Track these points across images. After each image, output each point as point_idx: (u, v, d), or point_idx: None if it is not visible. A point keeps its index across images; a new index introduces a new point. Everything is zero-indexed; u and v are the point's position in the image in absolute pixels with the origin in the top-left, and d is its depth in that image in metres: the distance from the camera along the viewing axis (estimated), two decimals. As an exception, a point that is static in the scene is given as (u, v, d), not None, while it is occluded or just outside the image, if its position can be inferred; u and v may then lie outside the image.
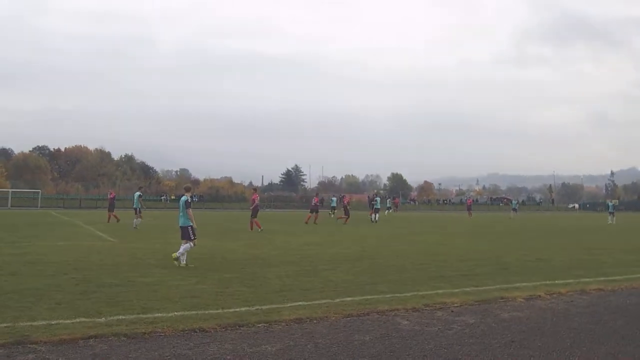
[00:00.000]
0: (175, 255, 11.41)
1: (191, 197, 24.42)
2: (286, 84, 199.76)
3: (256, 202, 23.74)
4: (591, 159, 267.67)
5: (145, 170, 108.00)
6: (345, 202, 33.75)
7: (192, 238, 11.67)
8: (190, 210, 11.84)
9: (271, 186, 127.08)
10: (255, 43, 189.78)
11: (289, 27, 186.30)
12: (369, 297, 8.45)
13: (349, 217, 31.42)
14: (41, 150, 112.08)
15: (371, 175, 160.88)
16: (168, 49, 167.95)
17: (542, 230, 28.43)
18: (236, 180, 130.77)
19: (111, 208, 29.43)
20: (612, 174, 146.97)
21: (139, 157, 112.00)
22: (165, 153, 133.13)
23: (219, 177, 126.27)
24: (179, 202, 12.27)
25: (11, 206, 56.11)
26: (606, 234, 26.48)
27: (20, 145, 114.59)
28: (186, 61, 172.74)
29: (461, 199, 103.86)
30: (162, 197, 73.99)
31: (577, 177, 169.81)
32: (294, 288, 9.07)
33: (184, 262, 11.36)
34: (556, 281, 10.26)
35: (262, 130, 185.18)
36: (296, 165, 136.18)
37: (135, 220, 24.13)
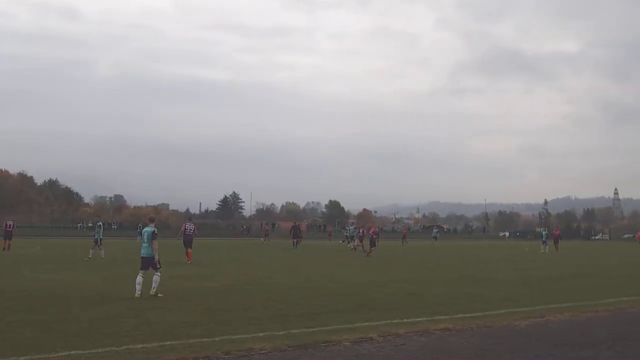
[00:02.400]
0: (153, 292, 11.42)
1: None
2: (228, 111, 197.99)
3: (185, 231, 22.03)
4: (528, 188, 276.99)
5: (69, 197, 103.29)
6: (372, 232, 31.28)
7: (158, 267, 11.70)
8: (156, 242, 11.83)
9: (207, 213, 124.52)
10: (196, 69, 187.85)
11: (233, 54, 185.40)
12: (186, 341, 7.28)
13: (374, 247, 29.34)
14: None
15: (312, 203, 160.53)
16: (105, 73, 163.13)
17: (450, 259, 27.99)
18: (173, 207, 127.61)
19: (8, 236, 28.71)
20: (546, 202, 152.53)
21: (68, 183, 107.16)
22: (100, 179, 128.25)
23: (156, 204, 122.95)
24: (142, 233, 12.31)
25: None
26: (513, 263, 26.25)
27: None
28: (124, 85, 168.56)
29: (392, 227, 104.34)
30: (79, 225, 70.64)
31: (515, 205, 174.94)
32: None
33: (157, 292, 11.43)
34: (405, 320, 9.33)
35: (202, 157, 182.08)
36: (234, 192, 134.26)
37: (99, 251, 23.00)
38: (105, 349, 6.75)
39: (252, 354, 6.87)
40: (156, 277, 11.57)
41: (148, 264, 11.70)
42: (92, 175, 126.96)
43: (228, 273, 17.53)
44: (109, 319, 8.75)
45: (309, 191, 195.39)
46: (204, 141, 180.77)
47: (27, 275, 15.53)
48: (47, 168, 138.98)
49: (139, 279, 11.47)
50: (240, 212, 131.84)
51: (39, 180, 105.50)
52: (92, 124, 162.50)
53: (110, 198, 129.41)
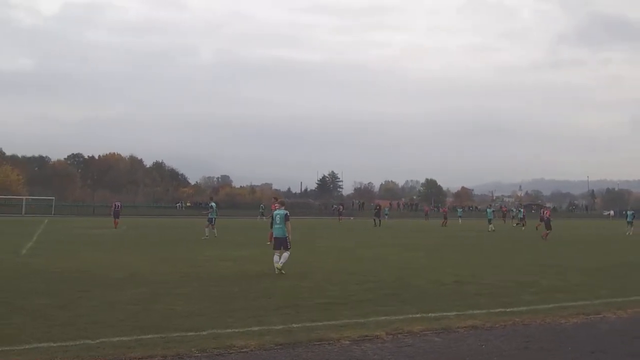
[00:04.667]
0: (279, 266, 12.17)
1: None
2: (325, 91, 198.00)
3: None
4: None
5: (174, 177, 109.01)
6: (546, 214, 29.14)
7: (289, 247, 12.43)
8: (289, 223, 12.58)
9: (306, 193, 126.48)
10: (291, 51, 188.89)
11: (325, 34, 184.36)
12: (169, 334, 6.77)
13: (550, 230, 27.38)
14: (75, 158, 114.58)
15: (411, 181, 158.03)
16: (208, 58, 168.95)
17: (529, 242, 25.80)
18: (276, 186, 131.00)
19: (116, 215, 33.02)
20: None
21: (175, 164, 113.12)
22: (207, 160, 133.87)
23: (259, 183, 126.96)
24: (273, 215, 13.37)
25: (25, 213, 56.75)
26: (599, 246, 23.70)
27: (58, 153, 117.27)
28: (226, 69, 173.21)
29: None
30: (177, 204, 73.84)
31: (627, 183, 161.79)
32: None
33: (282, 270, 12.15)
34: (430, 314, 8.26)
35: (303, 137, 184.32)
36: (332, 172, 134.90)
37: (212, 230, 24.32)
38: (77, 342, 6.35)
39: (231, 352, 6.22)
40: (286, 254, 12.35)
41: (281, 243, 12.51)
42: (200, 156, 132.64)
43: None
44: (113, 306, 8.42)
45: (408, 169, 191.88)
46: (304, 121, 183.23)
47: (85, 256, 15.85)
48: (155, 150, 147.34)
49: (276, 258, 12.37)
50: (339, 192, 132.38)
51: (148, 162, 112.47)
52: (199, 107, 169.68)
53: (217, 178, 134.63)
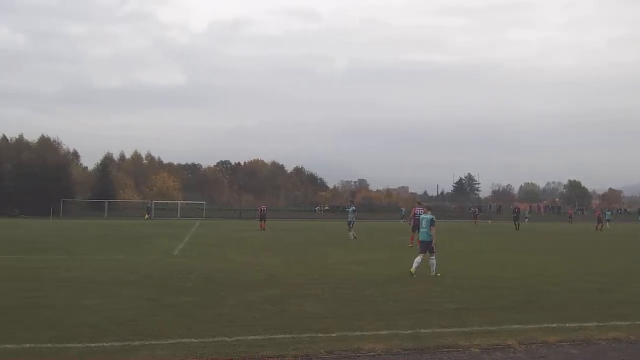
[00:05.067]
0: (433, 274, 12.50)
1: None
2: (460, 93, 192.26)
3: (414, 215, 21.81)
4: None
5: (313, 181, 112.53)
6: None
7: (434, 252, 12.81)
8: (434, 228, 12.92)
9: (443, 196, 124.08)
10: (424, 54, 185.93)
11: (457, 35, 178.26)
12: (298, 335, 6.97)
13: None
14: (224, 165, 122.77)
15: (553, 183, 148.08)
16: (343, 66, 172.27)
17: None
18: (413, 190, 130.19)
19: (263, 218, 35.03)
20: None
21: (314, 169, 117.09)
22: (345, 165, 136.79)
23: (396, 187, 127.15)
24: (420, 219, 13.67)
25: (180, 217, 61.83)
26: None
27: (209, 160, 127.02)
28: (361, 76, 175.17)
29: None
30: (316, 208, 75.87)
31: None
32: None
33: (436, 273, 12.54)
34: (568, 324, 7.63)
35: (439, 140, 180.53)
36: (469, 174, 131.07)
37: (350, 233, 25.28)
38: (216, 339, 6.76)
39: (358, 356, 6.27)
40: (432, 261, 12.70)
41: (426, 247, 12.81)
42: (337, 161, 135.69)
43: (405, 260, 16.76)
44: (250, 306, 8.87)
45: (549, 171, 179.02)
46: (440, 124, 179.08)
47: (229, 257, 16.81)
48: (296, 156, 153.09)
49: (419, 259, 12.68)
50: (476, 195, 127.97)
51: (289, 168, 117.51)
52: (336, 114, 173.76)
53: (355, 182, 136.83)
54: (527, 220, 57.62)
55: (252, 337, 6.84)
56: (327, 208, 74.69)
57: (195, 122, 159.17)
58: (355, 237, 24.88)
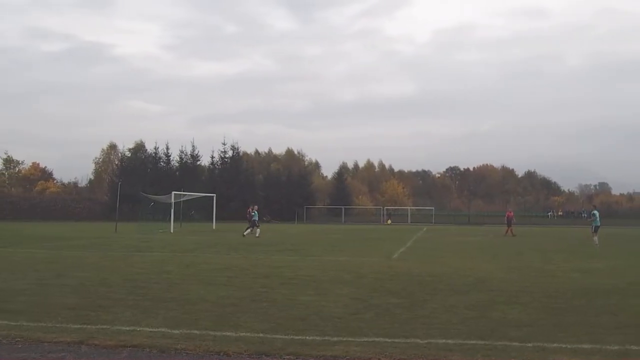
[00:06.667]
0: None
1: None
2: None
3: None
4: None
5: (546, 185, 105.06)
6: None
7: None
8: None
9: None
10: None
11: None
12: (495, 343, 6.87)
13: None
14: (452, 170, 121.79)
15: None
16: (575, 62, 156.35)
17: None
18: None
19: (509, 223, 33.64)
20: None
21: (546, 173, 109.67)
22: (585, 167, 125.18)
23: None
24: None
25: (410, 222, 63.10)
26: None
27: (438, 167, 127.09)
28: (596, 71, 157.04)
29: None
30: (549, 213, 70.39)
31: None
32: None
33: None
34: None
35: None
36: None
37: (595, 238, 24.26)
38: (408, 340, 6.96)
39: (555, 368, 5.91)
40: None
41: None
42: (575, 164, 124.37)
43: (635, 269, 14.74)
44: (450, 310, 8.84)
45: None
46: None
47: (445, 261, 16.73)
48: (527, 160, 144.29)
49: None
50: None
51: (519, 172, 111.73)
52: (570, 114, 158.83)
53: (595, 186, 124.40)
54: None
55: (443, 341, 6.87)
56: (560, 213, 68.96)
57: (424, 129, 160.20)
58: (596, 244, 23.25)
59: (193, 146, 71.20)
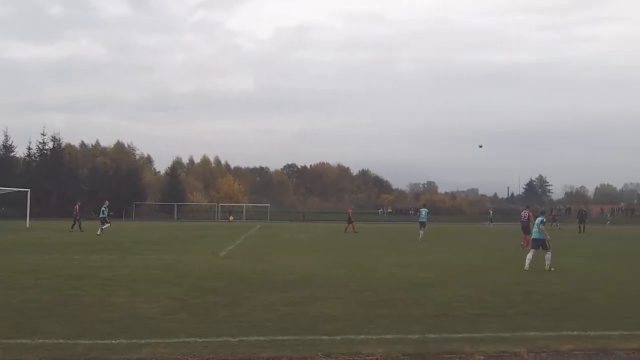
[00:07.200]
0: (547, 268, 13.91)
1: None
2: (532, 92, 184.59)
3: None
4: None
5: (379, 184, 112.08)
6: None
7: (548, 247, 14.21)
8: (544, 227, 14.50)
9: (512, 198, 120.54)
10: (493, 54, 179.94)
11: (529, 34, 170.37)
12: (301, 337, 6.97)
13: None
14: (290, 168, 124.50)
15: (631, 184, 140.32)
16: (407, 68, 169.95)
17: None
18: (482, 191, 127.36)
19: (349, 221, 35.34)
20: None
21: (381, 172, 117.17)
22: (414, 167, 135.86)
23: (465, 189, 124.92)
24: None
25: (245, 219, 63.25)
26: None
27: (277, 164, 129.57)
28: (426, 78, 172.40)
29: None
30: (379, 210, 75.39)
31: None
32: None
33: (550, 267, 13.89)
34: (590, 332, 7.18)
35: (509, 140, 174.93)
36: (540, 176, 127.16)
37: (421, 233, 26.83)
38: (220, 339, 6.82)
39: (355, 359, 6.16)
40: (548, 255, 14.06)
41: (539, 244, 14.35)
42: (406, 163, 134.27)
43: (448, 262, 16.32)
44: (269, 307, 8.87)
45: (626, 171, 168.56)
46: (509, 125, 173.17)
47: (274, 259, 16.95)
48: (362, 159, 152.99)
49: (530, 255, 14.28)
50: (548, 196, 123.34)
51: (354, 171, 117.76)
52: (404, 117, 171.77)
53: (423, 184, 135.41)
54: (608, 223, 54.98)
55: (255, 338, 6.86)
56: (389, 210, 74.15)
57: (264, 126, 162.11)
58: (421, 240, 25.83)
59: (6, 136, 63.98)
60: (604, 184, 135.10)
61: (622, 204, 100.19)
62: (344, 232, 33.84)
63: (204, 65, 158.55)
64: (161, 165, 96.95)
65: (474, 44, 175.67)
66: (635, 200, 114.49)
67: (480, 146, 59.33)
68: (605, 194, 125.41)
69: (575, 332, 7.21)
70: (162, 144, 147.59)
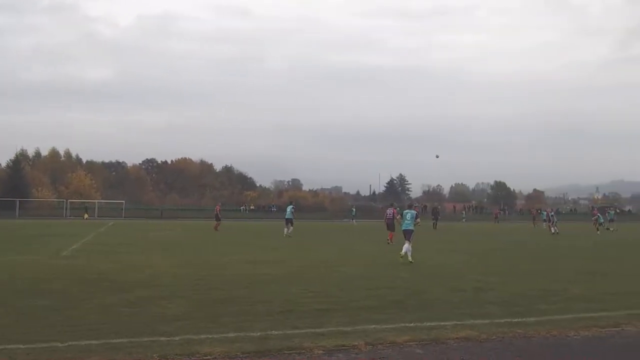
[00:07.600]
0: (402, 253, 15.42)
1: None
2: (393, 94, 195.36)
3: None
4: None
5: (243, 180, 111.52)
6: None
7: (410, 240, 15.68)
8: (418, 220, 16.72)
9: (374, 196, 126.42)
10: (360, 55, 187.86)
11: (394, 38, 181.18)
12: (140, 339, 6.68)
13: None
14: (150, 163, 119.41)
15: (481, 184, 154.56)
16: (276, 65, 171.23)
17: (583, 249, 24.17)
18: (346, 189, 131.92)
19: (217, 218, 34.49)
20: None
21: (244, 168, 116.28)
22: (279, 164, 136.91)
23: (329, 187, 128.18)
24: (403, 214, 16.76)
25: (97, 216, 59.61)
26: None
27: (136, 158, 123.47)
28: (294, 75, 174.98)
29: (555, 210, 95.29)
30: (241, 207, 75.23)
31: None
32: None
33: (410, 258, 15.25)
34: (427, 323, 7.72)
35: (372, 140, 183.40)
36: (401, 175, 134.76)
37: (286, 230, 27.12)
38: (46, 345, 6.31)
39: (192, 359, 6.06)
40: (408, 246, 15.48)
41: (409, 235, 15.80)
42: (271, 160, 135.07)
43: (303, 259, 16.76)
44: (107, 309, 8.39)
45: (478, 172, 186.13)
46: (373, 125, 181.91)
47: (123, 258, 16.16)
48: (226, 155, 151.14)
49: (407, 245, 15.55)
50: (407, 194, 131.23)
51: (218, 167, 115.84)
52: (271, 113, 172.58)
53: (288, 182, 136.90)
54: (464, 220, 59.50)
55: (86, 342, 6.46)
56: (252, 207, 74.22)
57: (122, 118, 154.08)
58: (289, 236, 26.38)
59: None
60: (458, 184, 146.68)
61: (473, 202, 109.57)
62: (215, 229, 32.73)
63: (56, 51, 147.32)
64: (2, 158, 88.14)
65: (341, 45, 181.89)
66: (485, 199, 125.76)
67: (437, 156, 60.64)
68: (459, 193, 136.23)
69: (412, 324, 7.62)
70: (4, 135, 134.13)
